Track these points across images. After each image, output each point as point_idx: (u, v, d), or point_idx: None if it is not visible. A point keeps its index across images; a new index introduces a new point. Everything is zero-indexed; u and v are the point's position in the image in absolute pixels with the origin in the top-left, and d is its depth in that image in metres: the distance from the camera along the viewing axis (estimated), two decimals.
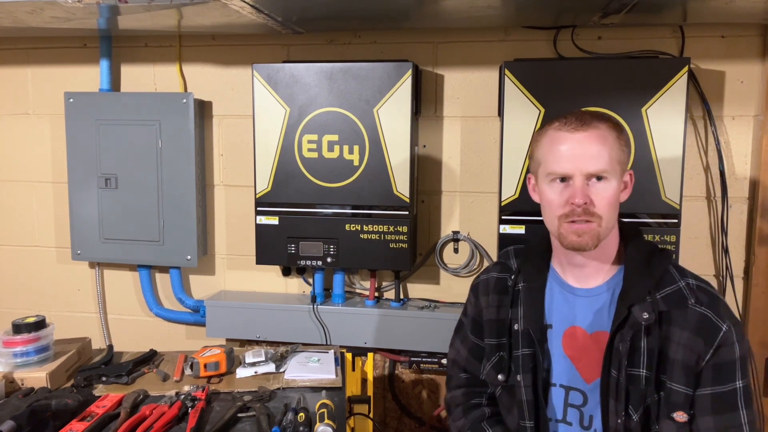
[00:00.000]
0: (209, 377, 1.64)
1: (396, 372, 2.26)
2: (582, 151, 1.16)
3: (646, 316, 1.15)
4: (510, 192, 1.92)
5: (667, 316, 1.16)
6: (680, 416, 1.14)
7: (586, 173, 1.16)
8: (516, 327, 1.30)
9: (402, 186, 1.99)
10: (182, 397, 1.47)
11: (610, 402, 1.18)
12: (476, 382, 1.43)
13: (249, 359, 1.71)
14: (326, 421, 1.35)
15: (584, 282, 1.26)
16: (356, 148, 1.99)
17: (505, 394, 1.32)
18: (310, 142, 2.02)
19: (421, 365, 2.15)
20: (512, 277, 1.34)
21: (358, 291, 2.28)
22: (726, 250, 1.97)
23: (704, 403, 1.14)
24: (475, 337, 1.42)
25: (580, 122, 1.17)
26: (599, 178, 1.16)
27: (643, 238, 1.27)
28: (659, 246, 1.28)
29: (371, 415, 1.74)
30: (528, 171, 1.31)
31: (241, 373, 1.67)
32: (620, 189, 1.20)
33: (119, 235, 2.25)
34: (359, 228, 2.03)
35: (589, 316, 1.24)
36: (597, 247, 1.19)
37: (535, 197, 1.28)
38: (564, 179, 1.18)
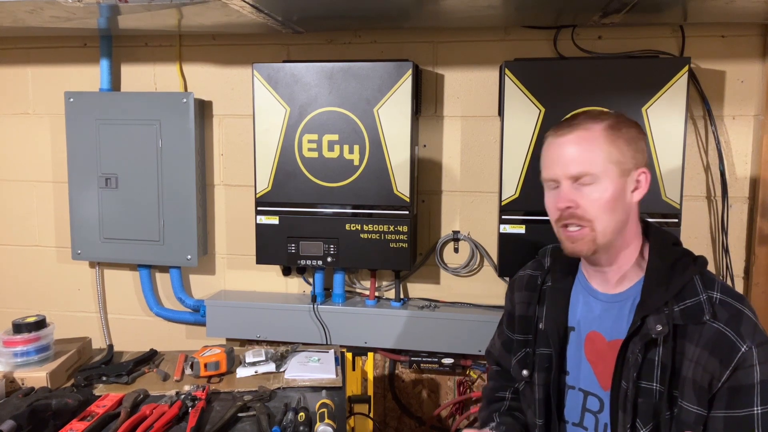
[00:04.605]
0: (209, 377, 1.64)
1: (396, 372, 2.26)
2: (564, 155, 1.15)
3: (659, 328, 1.11)
4: (510, 192, 1.91)
5: (682, 331, 1.12)
6: None
7: (568, 176, 1.14)
8: (540, 326, 1.30)
9: (402, 186, 1.99)
10: (182, 396, 1.47)
11: (619, 413, 1.16)
12: (507, 376, 1.44)
13: (249, 359, 1.71)
14: (326, 420, 1.35)
15: (608, 287, 1.24)
16: (356, 147, 1.99)
17: (527, 389, 1.33)
18: (310, 141, 2.02)
19: (422, 365, 2.15)
20: (542, 275, 1.35)
21: (358, 291, 2.28)
22: (726, 250, 1.97)
23: (716, 426, 1.09)
24: (509, 330, 1.43)
25: (568, 125, 1.17)
26: (585, 180, 1.14)
27: (671, 243, 1.22)
28: (691, 254, 1.20)
29: (371, 415, 1.74)
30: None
31: (242, 372, 1.67)
32: (621, 190, 1.15)
33: (119, 235, 2.25)
34: (359, 228, 2.03)
35: (608, 322, 1.22)
36: (601, 252, 1.17)
37: None
38: (555, 184, 1.18)
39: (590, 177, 1.13)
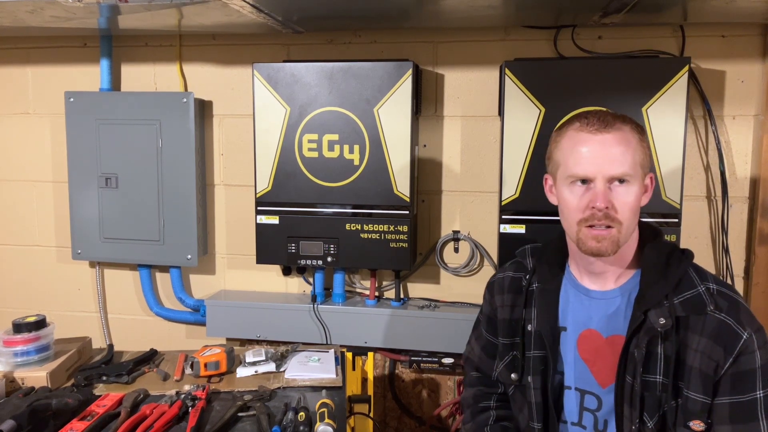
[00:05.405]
0: (209, 376, 1.64)
1: (396, 371, 2.26)
2: (604, 154, 1.12)
3: (662, 321, 1.12)
4: (510, 191, 1.92)
5: (684, 322, 1.13)
6: (697, 425, 1.11)
7: (608, 176, 1.12)
8: (529, 328, 1.29)
9: (402, 185, 1.99)
10: (182, 396, 1.47)
11: (624, 408, 1.16)
12: (487, 382, 1.43)
13: (249, 358, 1.71)
14: (326, 420, 1.35)
15: (600, 284, 1.24)
16: (356, 147, 1.99)
17: (518, 393, 1.32)
18: (310, 141, 2.02)
19: (422, 365, 2.14)
20: (527, 277, 1.33)
21: (358, 290, 2.28)
22: (726, 250, 1.97)
23: (722, 412, 1.11)
24: (490, 334, 1.42)
25: (603, 123, 1.14)
26: (621, 181, 1.13)
27: (663, 239, 1.24)
28: (679, 247, 1.23)
29: (371, 415, 1.74)
30: (546, 172, 1.28)
31: (242, 372, 1.67)
32: (642, 193, 1.17)
33: (119, 235, 2.25)
34: (359, 227, 2.03)
35: (604, 319, 1.22)
36: (615, 253, 1.16)
37: (552, 199, 1.25)
38: (585, 182, 1.15)
39: (628, 178, 1.13)
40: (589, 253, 1.17)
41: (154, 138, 2.18)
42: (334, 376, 1.64)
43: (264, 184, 2.06)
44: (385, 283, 2.24)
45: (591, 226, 1.14)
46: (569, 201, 1.17)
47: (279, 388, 1.58)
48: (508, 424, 1.36)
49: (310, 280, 2.24)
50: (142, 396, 1.51)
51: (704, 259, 2.01)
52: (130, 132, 2.20)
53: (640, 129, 1.18)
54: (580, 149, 1.15)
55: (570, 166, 1.16)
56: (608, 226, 1.13)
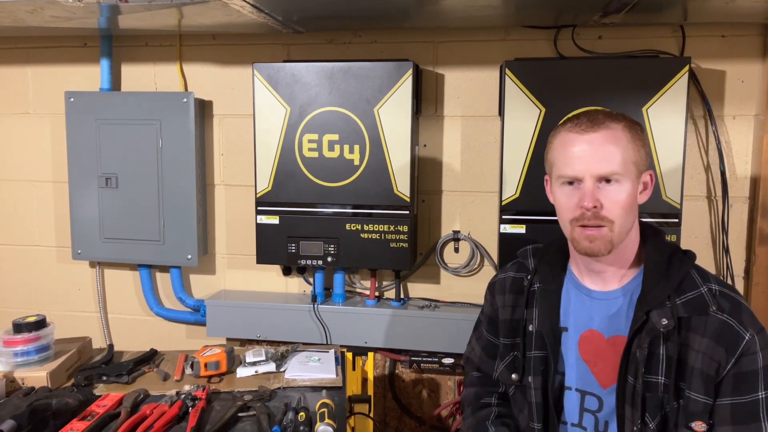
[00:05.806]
0: (210, 377, 1.64)
1: (396, 371, 2.26)
2: (592, 153, 1.13)
3: (665, 322, 1.12)
4: (511, 191, 1.91)
5: (686, 323, 1.13)
6: (699, 426, 1.11)
7: (596, 175, 1.13)
8: (530, 328, 1.29)
9: (402, 185, 1.99)
10: (183, 396, 1.47)
11: (626, 409, 1.16)
12: (488, 381, 1.43)
13: (249, 359, 1.71)
14: (327, 420, 1.35)
15: (602, 285, 1.24)
16: (357, 147, 1.99)
17: (518, 393, 1.32)
18: (310, 141, 2.02)
19: (422, 365, 2.14)
20: (528, 277, 1.33)
21: (358, 290, 2.28)
22: (726, 250, 1.97)
23: (723, 413, 1.11)
24: (491, 335, 1.42)
25: (591, 123, 1.14)
26: (610, 180, 1.13)
27: (664, 239, 1.24)
28: (681, 248, 1.23)
29: (371, 415, 1.74)
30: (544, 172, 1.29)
31: (242, 372, 1.67)
32: (636, 191, 1.17)
33: (120, 235, 2.25)
34: (360, 227, 2.03)
35: (605, 319, 1.22)
36: (613, 252, 1.16)
37: (551, 199, 1.26)
38: (575, 182, 1.15)
39: (617, 177, 1.13)
40: (583, 253, 1.17)
41: (154, 138, 2.18)
42: (334, 376, 1.64)
43: (264, 184, 2.06)
44: (385, 283, 2.24)
45: (583, 226, 1.15)
46: (561, 201, 1.19)
47: (279, 388, 1.58)
48: (509, 421, 1.36)
49: (310, 280, 2.24)
50: (142, 396, 1.51)
51: (704, 259, 2.01)
52: (130, 132, 2.20)
53: (635, 126, 1.17)
54: (569, 149, 1.16)
55: (560, 166, 1.18)
56: (600, 225, 1.14)
